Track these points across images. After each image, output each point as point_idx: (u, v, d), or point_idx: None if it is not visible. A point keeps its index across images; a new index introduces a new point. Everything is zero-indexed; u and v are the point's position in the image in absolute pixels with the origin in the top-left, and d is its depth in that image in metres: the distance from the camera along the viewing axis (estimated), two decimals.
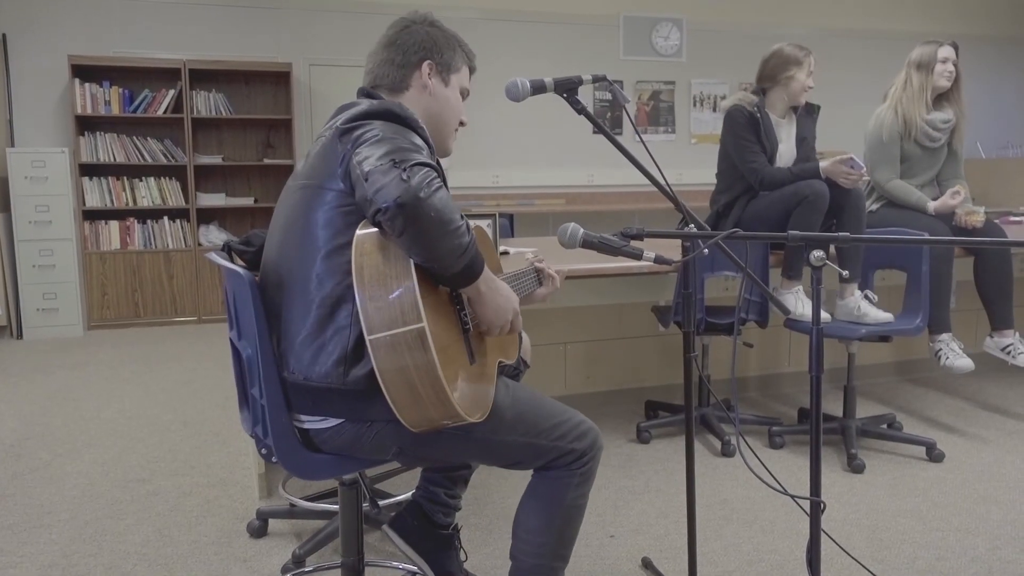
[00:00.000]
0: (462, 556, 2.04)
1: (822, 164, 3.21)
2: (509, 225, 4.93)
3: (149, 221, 6.41)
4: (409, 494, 2.57)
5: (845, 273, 1.83)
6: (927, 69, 3.57)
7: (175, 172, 6.56)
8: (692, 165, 7.93)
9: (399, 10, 6.66)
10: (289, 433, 1.54)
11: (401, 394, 1.40)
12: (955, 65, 3.57)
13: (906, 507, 2.69)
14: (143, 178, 6.46)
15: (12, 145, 6.27)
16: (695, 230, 1.83)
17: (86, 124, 6.35)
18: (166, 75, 6.46)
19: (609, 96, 7.63)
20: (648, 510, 2.69)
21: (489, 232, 3.27)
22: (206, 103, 6.51)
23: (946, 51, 3.55)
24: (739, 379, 4.12)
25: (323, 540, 2.35)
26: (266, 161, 6.77)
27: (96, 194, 6.32)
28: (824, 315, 3.13)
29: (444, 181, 1.74)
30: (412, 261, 1.39)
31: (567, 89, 1.87)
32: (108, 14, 6.40)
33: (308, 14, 6.82)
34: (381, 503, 2.62)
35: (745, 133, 3.32)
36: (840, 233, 1.63)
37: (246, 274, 1.55)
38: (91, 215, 6.33)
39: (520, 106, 7.20)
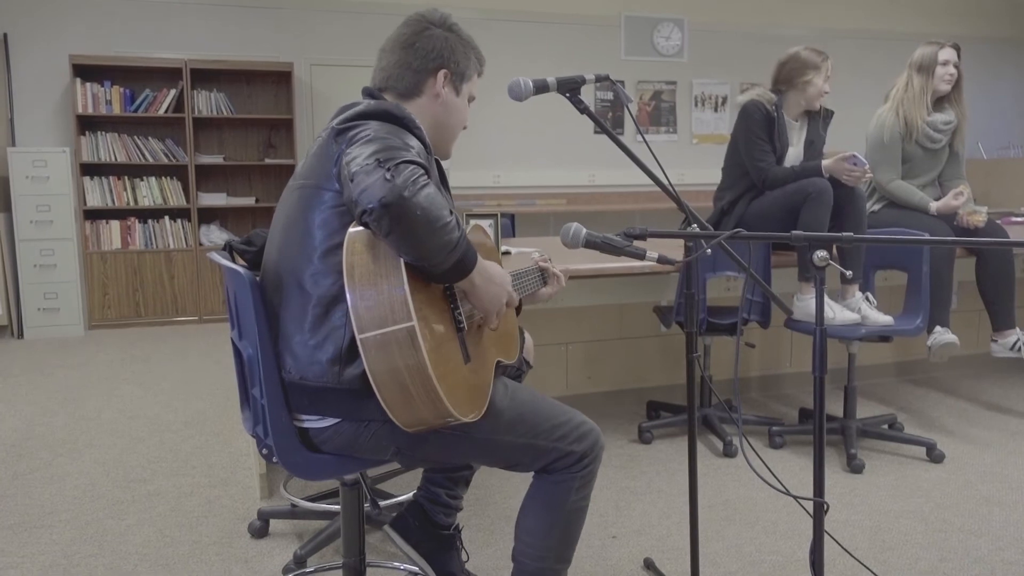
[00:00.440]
0: (463, 557, 2.04)
1: (824, 162, 3.20)
2: (511, 225, 4.92)
3: (150, 221, 6.41)
4: (410, 494, 2.56)
5: (849, 273, 1.83)
6: (928, 71, 3.56)
7: (176, 172, 6.56)
8: (694, 165, 7.93)
9: (401, 10, 6.66)
10: (289, 433, 1.54)
11: (392, 394, 1.39)
12: (956, 67, 3.57)
13: (908, 508, 2.69)
14: (144, 178, 6.46)
15: (13, 144, 6.26)
16: (698, 230, 1.83)
17: (87, 124, 6.35)
18: (167, 75, 6.46)
19: (611, 96, 7.63)
20: (650, 511, 2.68)
21: (490, 233, 3.27)
22: (207, 103, 6.51)
23: (947, 53, 3.54)
24: (741, 379, 4.12)
25: (324, 540, 2.34)
26: (267, 161, 6.77)
27: (97, 194, 6.32)
28: (851, 315, 3.12)
29: (444, 180, 1.74)
30: (402, 260, 1.39)
31: (570, 89, 1.86)
32: (109, 13, 6.40)
33: (309, 14, 6.82)
34: (382, 503, 2.61)
35: (759, 130, 3.30)
36: (844, 233, 1.63)
37: (247, 274, 1.55)
38: (92, 215, 6.33)
39: (521, 106, 7.20)
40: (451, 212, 1.39)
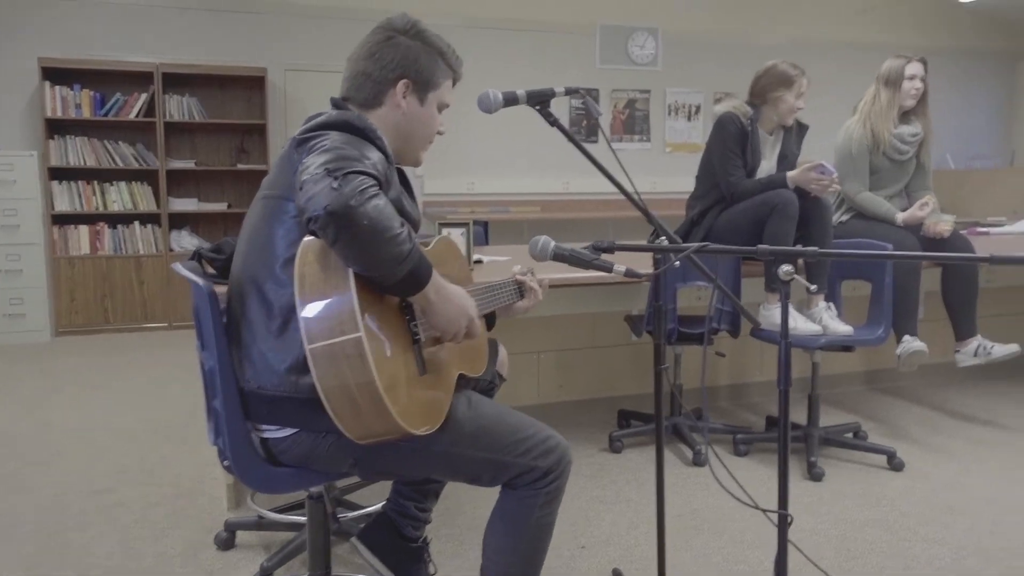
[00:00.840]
0: (431, 569, 2.04)
1: (790, 174, 3.23)
2: (484, 233, 4.92)
3: (120, 226, 6.33)
4: (379, 506, 2.55)
5: (813, 288, 1.85)
6: (895, 85, 3.62)
7: (147, 176, 6.49)
8: (667, 173, 7.98)
9: (375, 15, 6.59)
10: (247, 446, 1.53)
11: (341, 405, 1.38)
12: (923, 81, 3.62)
13: (873, 517, 2.72)
14: (114, 182, 6.38)
15: None
16: (666, 242, 1.84)
17: (56, 127, 6.26)
18: (139, 79, 6.39)
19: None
20: (619, 520, 2.69)
21: (463, 240, 3.26)
22: (179, 107, 6.44)
23: (914, 68, 3.60)
24: (710, 388, 4.15)
25: (291, 552, 2.33)
26: (240, 166, 6.71)
27: (66, 198, 6.23)
28: (813, 326, 3.14)
29: (409, 189, 1.73)
30: (351, 270, 1.38)
31: (540, 101, 1.88)
32: (80, 16, 6.32)
33: (284, 19, 6.78)
34: (350, 515, 2.60)
35: (731, 143, 3.31)
36: (808, 248, 1.65)
37: (206, 285, 1.55)
38: (60, 219, 6.23)
39: (496, 113, 7.20)
40: (402, 224, 1.38)
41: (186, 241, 6.51)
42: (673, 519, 2.70)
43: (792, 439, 3.30)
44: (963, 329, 3.60)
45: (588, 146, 1.86)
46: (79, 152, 6.24)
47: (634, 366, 3.96)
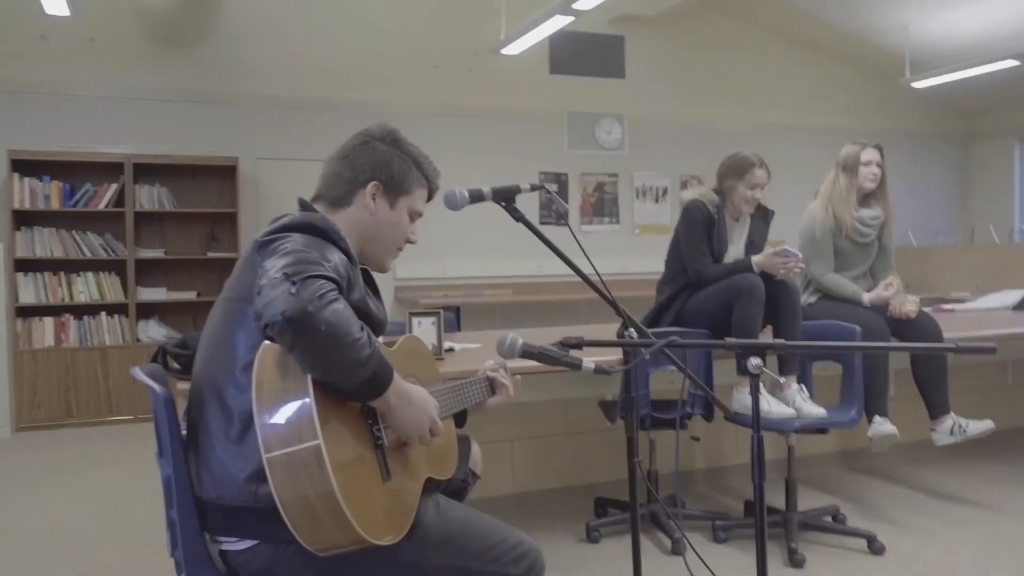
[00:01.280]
0: None
1: (755, 258, 3.27)
2: (456, 319, 4.91)
3: (86, 317, 6.23)
4: None
5: (782, 380, 1.85)
6: (852, 171, 3.72)
7: (115, 266, 6.42)
8: (637, 255, 8.06)
9: (348, 105, 6.75)
10: (203, 559, 1.47)
11: (299, 516, 1.33)
12: (879, 166, 3.73)
13: None
14: (81, 273, 6.31)
15: None
16: (635, 335, 1.84)
17: (23, 218, 6.21)
18: (109, 169, 6.38)
19: (555, 187, 7.78)
20: None
21: (434, 329, 3.23)
22: (150, 197, 6.44)
23: (869, 154, 3.70)
24: (687, 472, 4.10)
25: None
26: (210, 254, 6.69)
27: (31, 290, 6.14)
28: (787, 410, 3.12)
29: (374, 288, 1.72)
30: (309, 376, 1.35)
31: (505, 198, 1.89)
32: (50, 108, 6.36)
33: (255, 110, 6.87)
34: None
35: (699, 230, 3.37)
36: (776, 341, 1.65)
37: (163, 392, 1.51)
38: (24, 311, 6.12)
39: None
40: (362, 328, 1.37)
41: (154, 331, 6.42)
42: None
43: (770, 524, 3.25)
44: (936, 408, 3.61)
45: (560, 230, 1.89)
46: (46, 243, 6.18)
47: (610, 451, 3.91)
